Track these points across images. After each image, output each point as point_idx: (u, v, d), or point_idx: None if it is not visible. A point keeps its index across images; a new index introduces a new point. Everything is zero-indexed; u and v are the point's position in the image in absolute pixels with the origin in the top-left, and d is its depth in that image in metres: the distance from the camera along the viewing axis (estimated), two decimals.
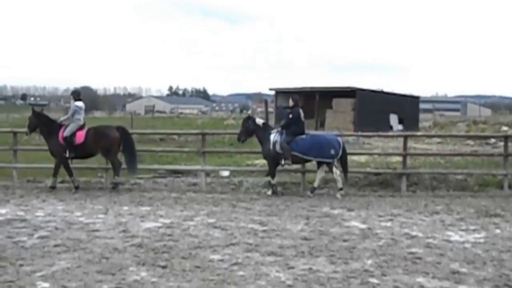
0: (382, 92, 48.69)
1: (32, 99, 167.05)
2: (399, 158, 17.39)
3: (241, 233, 10.30)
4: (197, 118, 74.72)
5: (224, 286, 7.31)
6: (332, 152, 14.54)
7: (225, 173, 17.56)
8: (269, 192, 14.98)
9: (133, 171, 15.65)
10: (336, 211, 12.63)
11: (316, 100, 43.14)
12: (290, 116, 14.91)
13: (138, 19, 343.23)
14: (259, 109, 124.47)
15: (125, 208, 12.76)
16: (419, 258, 8.75)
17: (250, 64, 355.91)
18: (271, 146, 14.86)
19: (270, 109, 52.26)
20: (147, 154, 21.48)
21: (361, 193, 15.41)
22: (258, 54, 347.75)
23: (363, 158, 20.40)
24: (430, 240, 9.94)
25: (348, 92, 42.88)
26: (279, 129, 15.03)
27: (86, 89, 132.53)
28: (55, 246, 9.29)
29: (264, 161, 19.80)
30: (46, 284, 7.34)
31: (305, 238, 9.97)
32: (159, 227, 10.73)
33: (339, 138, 14.99)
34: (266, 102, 53.33)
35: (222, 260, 8.50)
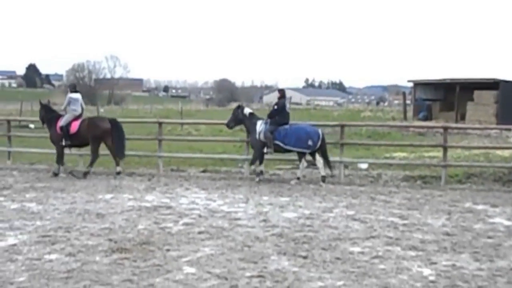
0: None
1: (173, 91, 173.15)
2: None
3: (381, 226, 10.22)
4: (333, 110, 74.54)
5: (365, 279, 7.28)
6: (310, 143, 15.01)
7: (363, 166, 17.44)
8: (257, 179, 15.37)
9: (121, 156, 16.32)
10: (479, 207, 12.23)
11: (456, 92, 41.68)
12: (275, 107, 15.62)
13: (273, 14, 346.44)
14: (396, 101, 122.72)
15: (265, 198, 12.97)
16: None
17: (388, 56, 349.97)
18: (257, 135, 15.43)
19: (408, 102, 51.21)
20: None
21: (505, 189, 14.84)
22: (395, 45, 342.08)
23: (506, 152, 19.62)
24: None
25: (490, 83, 41.05)
26: (265, 119, 15.58)
27: (225, 81, 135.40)
28: (199, 233, 9.61)
29: (403, 154, 19.63)
30: (192, 269, 7.61)
31: (447, 234, 9.74)
32: (299, 218, 10.83)
33: (319, 130, 15.42)
34: (404, 94, 52.31)
35: (362, 253, 8.47)
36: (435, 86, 47.06)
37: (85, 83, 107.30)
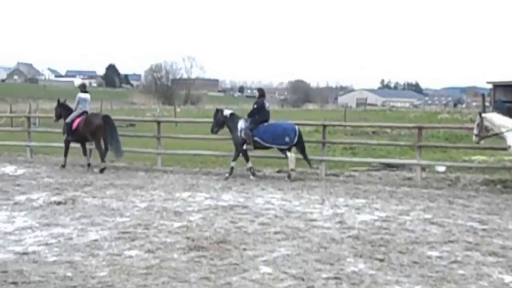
0: None
1: (248, 91, 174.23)
2: None
3: (459, 231, 10.01)
4: (409, 111, 73.45)
5: (443, 284, 7.15)
6: (287, 139, 15.78)
7: (441, 169, 17.13)
8: (251, 176, 16.00)
9: (119, 154, 17.42)
10: None
11: None
12: (255, 106, 16.34)
13: (349, 15, 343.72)
14: (474, 103, 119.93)
15: (341, 199, 12.91)
16: None
17: (466, 56, 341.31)
18: (238, 133, 16.20)
19: (487, 104, 50.02)
20: (361, 147, 21.59)
21: None
22: (474, 46, 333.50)
23: None
24: None
25: None
26: (245, 117, 16.42)
27: (300, 82, 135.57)
28: (275, 233, 9.65)
29: (482, 157, 19.18)
30: (269, 269, 7.65)
31: None
32: (375, 220, 10.74)
33: (296, 127, 16.09)
34: (483, 96, 51.13)
35: (440, 257, 8.33)
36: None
37: (163, 83, 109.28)
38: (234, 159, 16.36)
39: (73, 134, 17.56)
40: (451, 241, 9.27)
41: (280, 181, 15.58)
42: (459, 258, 8.28)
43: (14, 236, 9.36)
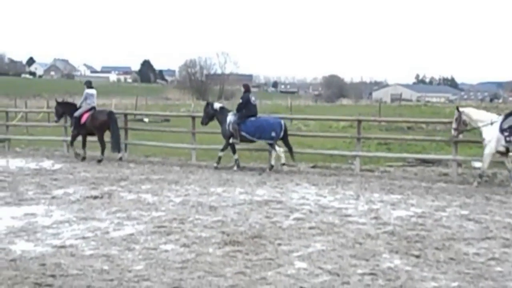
0: None
1: (282, 86, 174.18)
2: None
3: (497, 227, 9.89)
4: (445, 106, 72.59)
5: (480, 281, 7.08)
6: (273, 134, 16.32)
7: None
8: (235, 168, 16.71)
9: (115, 149, 18.22)
10: None
11: None
12: (241, 100, 16.94)
13: (383, 9, 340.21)
14: (510, 98, 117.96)
15: (376, 195, 12.84)
16: None
17: (503, 50, 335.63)
18: (227, 127, 16.74)
19: None
20: (396, 142, 21.44)
21: None
22: (511, 40, 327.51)
23: None
24: None
25: None
26: (234, 112, 16.96)
27: (334, 77, 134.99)
28: (310, 228, 9.65)
29: None
30: (303, 264, 7.65)
31: None
32: (411, 216, 10.66)
33: (282, 122, 16.68)
34: None
35: (477, 254, 8.24)
36: None
37: (197, 78, 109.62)
38: (223, 150, 16.99)
39: (82, 128, 18.27)
40: (488, 238, 9.17)
41: (315, 176, 15.55)
42: (496, 255, 8.19)
43: (52, 229, 9.52)
